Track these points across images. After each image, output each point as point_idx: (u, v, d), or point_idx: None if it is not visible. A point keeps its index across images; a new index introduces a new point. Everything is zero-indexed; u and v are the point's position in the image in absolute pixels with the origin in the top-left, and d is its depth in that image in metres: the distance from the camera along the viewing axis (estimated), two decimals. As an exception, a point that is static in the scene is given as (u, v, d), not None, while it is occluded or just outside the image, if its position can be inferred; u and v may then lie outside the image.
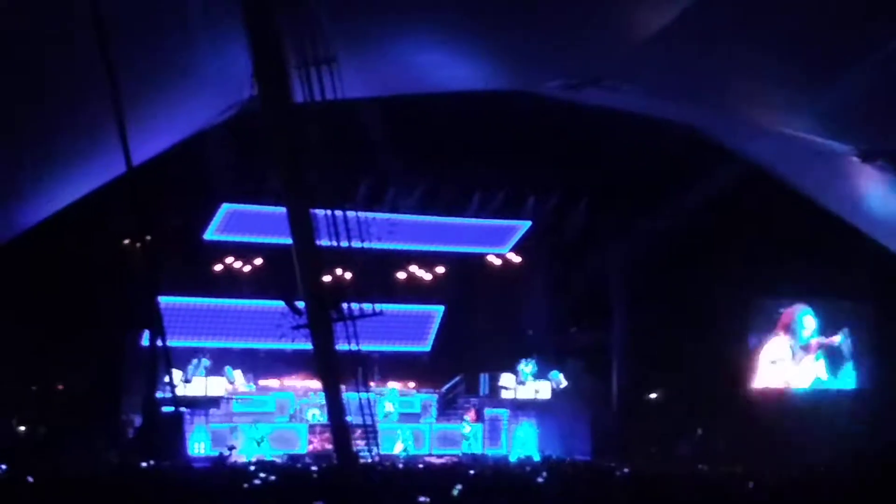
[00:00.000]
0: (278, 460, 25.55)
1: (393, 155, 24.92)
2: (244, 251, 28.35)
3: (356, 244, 17.85)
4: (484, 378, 30.17)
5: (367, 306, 17.87)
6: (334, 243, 17.56)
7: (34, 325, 24.95)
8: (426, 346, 30.79)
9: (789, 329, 31.13)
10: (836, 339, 30.98)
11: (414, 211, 28.78)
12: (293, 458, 26.15)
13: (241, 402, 27.46)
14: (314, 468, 22.03)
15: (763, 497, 17.28)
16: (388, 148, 24.30)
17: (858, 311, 30.97)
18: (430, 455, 28.02)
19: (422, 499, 14.80)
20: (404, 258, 29.97)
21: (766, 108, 21.13)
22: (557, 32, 18.75)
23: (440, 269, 30.43)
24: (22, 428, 26.67)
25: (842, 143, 21.19)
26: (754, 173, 24.99)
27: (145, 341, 22.07)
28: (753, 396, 30.86)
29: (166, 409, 25.63)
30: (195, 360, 27.13)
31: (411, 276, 30.25)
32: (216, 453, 25.68)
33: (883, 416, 28.47)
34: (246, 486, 17.05)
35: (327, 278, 17.80)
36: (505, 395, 29.82)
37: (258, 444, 26.63)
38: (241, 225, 27.81)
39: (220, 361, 27.62)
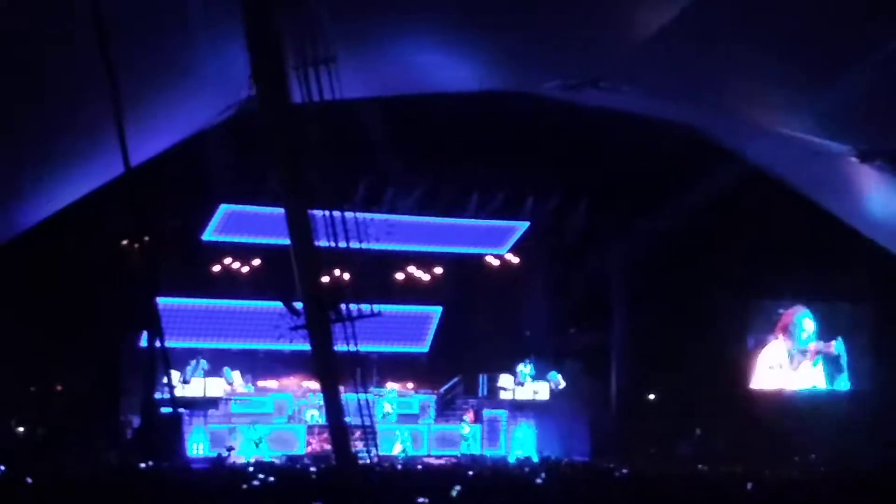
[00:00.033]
0: (277, 461, 25.56)
1: (392, 155, 24.91)
2: (242, 252, 28.33)
3: (354, 245, 17.84)
4: (482, 379, 30.17)
5: (365, 307, 17.86)
6: (333, 244, 17.55)
7: (33, 326, 24.93)
8: (424, 347, 30.77)
9: (788, 331, 31.13)
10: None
11: (412, 211, 28.77)
12: (292, 459, 26.15)
13: (240, 403, 27.44)
14: (313, 469, 22.04)
15: (763, 497, 17.28)
16: (386, 148, 24.28)
17: (857, 312, 30.98)
18: (429, 456, 28.01)
19: (420, 500, 14.80)
20: (403, 259, 29.94)
21: (765, 109, 21.12)
22: (556, 33, 18.74)
23: (439, 270, 30.41)
24: (21, 429, 26.64)
25: (841, 144, 21.17)
26: (754, 173, 24.99)
27: (144, 342, 22.00)
28: (753, 397, 30.87)
29: (165, 409, 25.61)
30: (194, 361, 27.13)
31: (410, 277, 30.22)
32: (215, 454, 25.68)
33: (882, 417, 28.50)
34: (244, 486, 17.06)
35: (326, 279, 17.79)
36: (504, 395, 29.82)
37: (257, 444, 26.61)
38: (239, 225, 27.79)
39: (218, 362, 27.60)
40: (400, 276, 30.05)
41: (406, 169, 26.54)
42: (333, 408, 17.01)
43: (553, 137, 25.36)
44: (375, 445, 20.53)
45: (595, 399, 30.17)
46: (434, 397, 29.49)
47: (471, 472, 21.63)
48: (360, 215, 18.36)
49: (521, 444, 29.15)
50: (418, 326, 30.59)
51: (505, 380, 29.90)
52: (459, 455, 28.37)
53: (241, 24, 16.10)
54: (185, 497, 15.71)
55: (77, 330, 25.65)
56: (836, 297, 30.58)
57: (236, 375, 27.90)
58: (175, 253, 25.31)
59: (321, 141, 17.45)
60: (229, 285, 28.47)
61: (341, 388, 17.44)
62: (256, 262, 28.34)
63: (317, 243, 16.97)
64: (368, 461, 19.70)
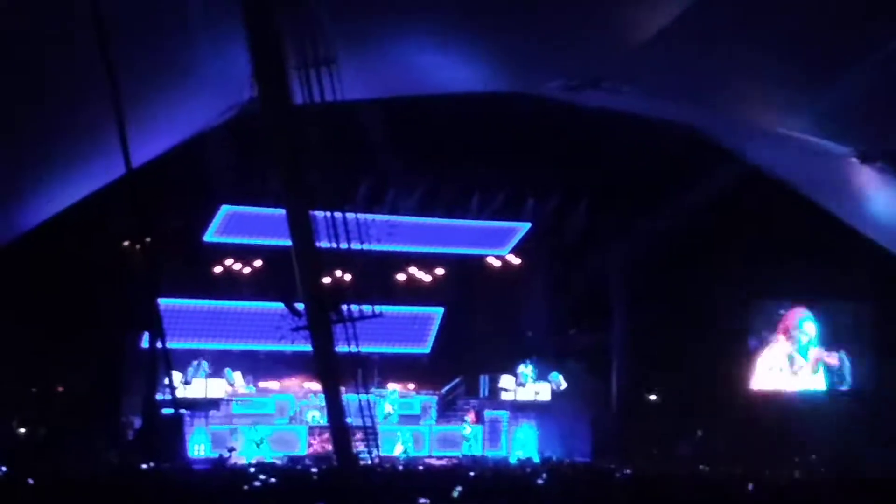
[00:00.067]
0: (278, 462, 25.55)
1: (392, 156, 24.93)
2: (244, 253, 28.32)
3: (356, 246, 17.86)
4: (484, 380, 30.18)
5: (366, 308, 17.89)
6: (334, 245, 17.56)
7: (34, 327, 24.93)
8: (426, 348, 30.76)
9: (789, 334, 31.10)
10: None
11: (413, 212, 28.77)
12: (293, 460, 26.13)
13: (241, 404, 27.43)
14: (314, 470, 22.01)
15: (763, 497, 17.28)
16: (387, 149, 24.31)
17: (858, 312, 30.95)
18: (430, 457, 28.01)
19: (422, 500, 14.80)
20: (404, 260, 29.94)
21: (765, 109, 21.14)
22: (557, 34, 18.76)
23: (440, 271, 30.40)
24: (22, 429, 26.65)
25: (841, 144, 21.18)
26: (754, 173, 25.00)
27: (145, 343, 22.02)
28: (753, 397, 30.86)
29: (166, 410, 25.62)
30: (195, 362, 27.12)
31: (411, 278, 30.22)
32: (216, 455, 25.68)
33: (882, 417, 28.48)
34: (246, 487, 17.05)
35: (327, 280, 17.81)
36: (505, 396, 29.81)
37: (258, 445, 26.61)
38: (240, 226, 27.79)
39: (219, 363, 27.59)
40: (401, 276, 30.04)
41: (407, 170, 26.55)
42: (335, 409, 17.03)
43: (553, 138, 25.36)
44: (377, 446, 20.53)
45: (596, 399, 30.17)
46: (435, 398, 29.48)
47: (472, 473, 21.63)
48: (361, 216, 18.37)
49: (523, 444, 29.15)
50: (420, 327, 30.58)
51: (506, 380, 29.89)
52: (461, 456, 28.37)
53: (241, 24, 16.12)
54: (186, 498, 15.71)
55: (78, 331, 25.65)
56: (836, 297, 30.55)
57: (238, 376, 27.90)
58: (176, 254, 25.31)
59: (322, 142, 17.47)
60: (231, 286, 28.47)
61: (342, 389, 17.47)
62: (258, 262, 28.33)
63: (318, 244, 16.99)
64: (369, 462, 19.71)
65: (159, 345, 15.00)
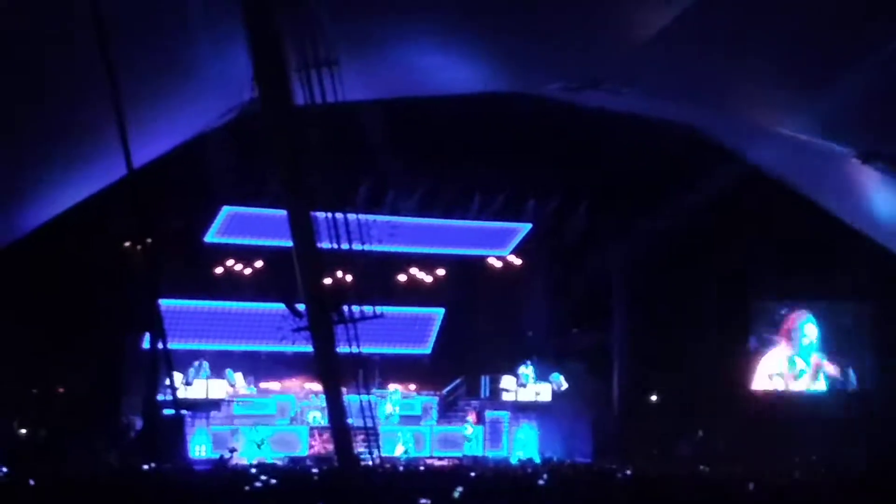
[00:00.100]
0: (279, 463, 25.55)
1: (393, 157, 24.94)
2: (245, 254, 28.32)
3: (357, 247, 17.86)
4: (485, 380, 30.19)
5: (367, 309, 17.91)
6: (335, 246, 17.58)
7: (35, 328, 24.94)
8: (427, 349, 30.77)
9: (790, 337, 31.07)
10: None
11: (414, 213, 28.78)
12: (294, 461, 26.14)
13: (242, 405, 27.44)
14: (315, 470, 22.01)
15: (763, 498, 17.28)
16: (388, 150, 24.31)
17: (858, 311, 30.95)
18: (431, 457, 28.02)
19: (423, 501, 14.80)
20: (405, 260, 29.94)
21: (765, 109, 21.14)
22: (557, 35, 18.77)
23: (441, 272, 30.40)
24: (23, 430, 26.65)
25: (841, 144, 21.19)
26: (754, 173, 25.01)
27: (146, 344, 22.05)
28: (754, 397, 30.86)
29: (167, 411, 25.64)
30: (196, 363, 27.13)
31: (412, 279, 30.21)
32: (217, 456, 25.68)
33: (883, 417, 28.49)
34: (247, 488, 17.05)
35: (328, 281, 17.82)
36: (506, 397, 29.81)
37: (259, 446, 26.61)
38: (241, 227, 27.80)
39: (220, 364, 27.59)
40: (402, 277, 30.04)
41: (407, 170, 26.56)
42: (336, 409, 17.05)
43: (553, 138, 25.39)
44: (377, 447, 20.56)
45: (597, 400, 30.16)
46: (436, 399, 29.48)
47: (473, 474, 21.63)
48: (361, 217, 18.39)
49: (524, 445, 29.15)
50: (420, 328, 30.59)
51: (507, 381, 29.90)
52: (462, 456, 28.37)
53: (241, 26, 16.13)
54: (186, 499, 15.71)
55: (79, 332, 25.66)
56: (836, 297, 30.56)
57: (239, 377, 27.90)
58: (177, 255, 25.31)
59: (323, 143, 17.48)
60: (232, 287, 28.46)
61: (343, 390, 17.48)
62: (259, 263, 28.32)
63: (319, 245, 17.01)
64: (370, 462, 19.73)
65: (160, 346, 14.99)
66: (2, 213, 20.13)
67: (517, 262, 31.00)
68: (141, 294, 18.46)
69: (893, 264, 24.99)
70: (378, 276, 22.40)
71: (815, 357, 31.02)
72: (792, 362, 31.08)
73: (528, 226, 30.31)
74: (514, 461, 28.16)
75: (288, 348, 25.06)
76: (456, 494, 15.68)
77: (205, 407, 26.66)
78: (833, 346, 30.94)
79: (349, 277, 18.89)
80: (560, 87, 21.27)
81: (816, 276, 29.01)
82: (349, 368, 17.97)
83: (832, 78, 18.36)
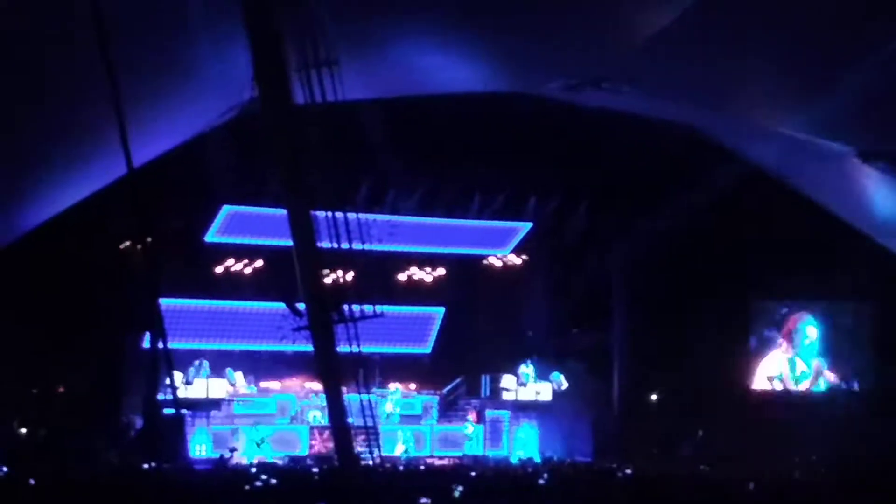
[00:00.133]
0: (279, 462, 25.58)
1: (393, 156, 24.94)
2: (245, 253, 28.35)
3: (357, 246, 17.84)
4: (485, 380, 30.21)
5: (367, 308, 17.86)
6: (335, 245, 17.56)
7: (35, 327, 24.95)
8: (427, 348, 30.79)
9: (791, 338, 31.06)
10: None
11: (414, 212, 28.80)
12: (294, 460, 26.18)
13: (243, 404, 27.47)
14: (315, 470, 22.06)
15: (764, 497, 17.33)
16: (388, 149, 24.31)
17: (858, 311, 30.96)
18: (432, 456, 28.03)
19: (423, 500, 14.85)
20: (405, 260, 29.98)
21: (765, 109, 21.13)
22: (558, 34, 18.75)
23: (441, 271, 30.44)
24: (23, 430, 26.66)
25: (841, 144, 21.18)
26: (754, 173, 25.01)
27: (146, 343, 22.05)
28: (754, 397, 30.87)
29: (167, 410, 25.64)
30: (196, 362, 27.15)
31: (412, 278, 30.25)
32: (217, 455, 25.71)
33: (883, 417, 28.48)
34: (247, 487, 17.10)
35: (328, 280, 17.80)
36: (506, 396, 29.84)
37: (259, 445, 26.64)
38: (241, 227, 27.82)
39: (221, 363, 27.62)
40: (402, 277, 30.08)
41: (407, 170, 26.57)
42: (336, 409, 17.01)
43: (553, 138, 25.40)
44: (378, 446, 20.54)
45: (597, 399, 30.19)
46: (437, 398, 29.51)
47: (473, 473, 21.66)
48: (362, 216, 18.37)
49: (524, 444, 29.18)
50: (421, 327, 30.61)
51: (507, 380, 29.93)
52: (462, 455, 28.38)
53: (241, 25, 16.11)
54: (187, 498, 15.75)
55: (79, 331, 25.68)
56: (836, 297, 30.57)
57: (239, 376, 27.93)
58: (177, 254, 25.32)
59: (323, 142, 17.46)
60: (232, 286, 28.49)
61: (344, 389, 17.45)
62: (259, 263, 28.35)
63: (319, 244, 16.99)
64: (371, 462, 19.72)
65: (160, 345, 14.97)
66: (2, 213, 20.12)
67: (517, 261, 31.02)
68: (141, 294, 18.40)
69: (893, 264, 24.99)
70: (378, 276, 22.37)
71: (817, 363, 31.03)
72: (792, 364, 31.09)
73: (529, 225, 30.33)
74: (514, 460, 28.20)
75: (288, 347, 25.05)
76: (456, 494, 15.71)
77: (205, 406, 26.69)
78: (833, 346, 30.94)
79: (349, 277, 18.87)
80: (560, 87, 21.25)
81: (816, 276, 29.02)
82: (349, 368, 17.90)
83: (832, 78, 18.36)
